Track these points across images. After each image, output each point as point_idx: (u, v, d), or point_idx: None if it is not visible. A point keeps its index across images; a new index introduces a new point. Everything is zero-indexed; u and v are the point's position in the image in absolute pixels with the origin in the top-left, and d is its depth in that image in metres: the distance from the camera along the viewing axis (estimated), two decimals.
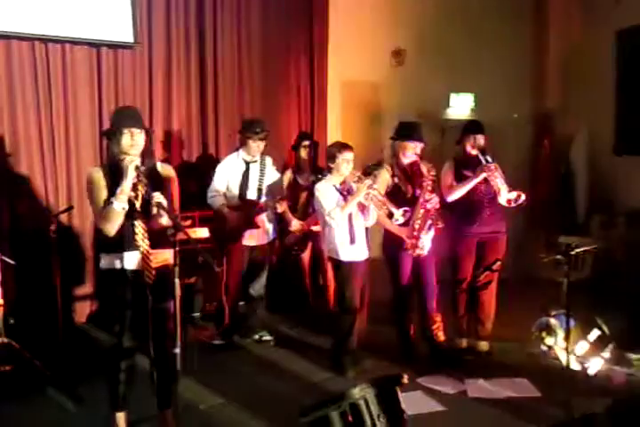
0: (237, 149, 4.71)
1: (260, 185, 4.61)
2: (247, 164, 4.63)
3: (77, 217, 5.01)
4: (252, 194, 4.60)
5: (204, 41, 5.48)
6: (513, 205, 4.27)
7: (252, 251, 4.64)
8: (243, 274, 4.64)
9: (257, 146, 4.57)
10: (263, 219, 4.61)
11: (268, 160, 4.73)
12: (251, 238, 4.59)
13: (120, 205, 2.95)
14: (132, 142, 3.06)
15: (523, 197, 4.21)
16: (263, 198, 4.60)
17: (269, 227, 4.69)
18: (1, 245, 3.99)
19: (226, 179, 4.61)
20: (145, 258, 3.03)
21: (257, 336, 4.78)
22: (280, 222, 5.00)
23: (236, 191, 4.59)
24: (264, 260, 4.72)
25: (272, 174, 4.72)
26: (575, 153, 7.11)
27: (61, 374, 3.90)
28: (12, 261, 3.97)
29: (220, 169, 4.65)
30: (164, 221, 2.97)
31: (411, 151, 4.23)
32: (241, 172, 4.61)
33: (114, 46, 5.07)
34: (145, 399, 3.27)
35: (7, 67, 4.73)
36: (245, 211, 4.53)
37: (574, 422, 3.19)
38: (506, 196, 4.24)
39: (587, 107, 6.99)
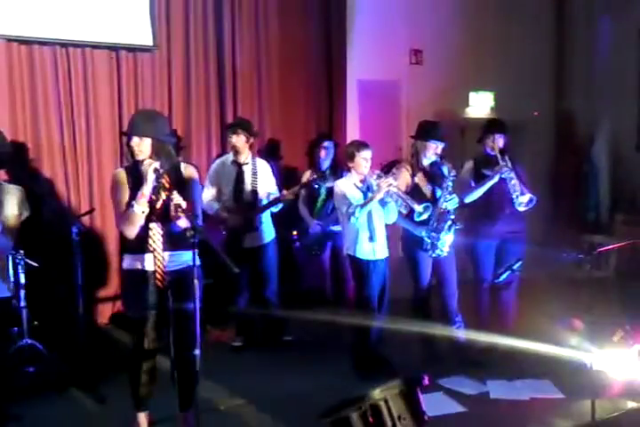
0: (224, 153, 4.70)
1: (254, 187, 4.54)
2: (239, 166, 4.57)
3: (99, 219, 5.06)
4: (247, 196, 4.54)
5: (222, 43, 5.50)
6: (524, 208, 4.27)
7: (255, 253, 4.58)
8: (251, 276, 4.60)
9: (230, 141, 4.56)
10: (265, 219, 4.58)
11: (260, 162, 4.66)
12: (251, 240, 4.55)
13: (140, 209, 2.99)
14: (130, 148, 3.08)
15: (534, 200, 4.27)
16: (264, 201, 4.54)
17: (268, 227, 4.64)
18: (24, 248, 4.04)
19: (217, 183, 4.58)
20: (157, 261, 3.05)
21: (277, 337, 4.78)
22: (298, 224, 5.00)
23: (230, 194, 4.55)
24: (271, 260, 4.66)
25: (266, 177, 4.62)
26: (598, 151, 7.02)
27: (84, 374, 3.93)
28: (34, 264, 4.02)
29: (210, 174, 4.64)
30: (183, 222, 2.98)
31: (432, 151, 4.20)
32: (233, 174, 4.56)
33: (133, 50, 5.11)
34: (166, 400, 3.28)
35: (29, 72, 4.79)
36: (243, 213, 4.50)
37: (598, 424, 3.14)
38: (518, 199, 4.23)
39: (609, 104, 6.90)
